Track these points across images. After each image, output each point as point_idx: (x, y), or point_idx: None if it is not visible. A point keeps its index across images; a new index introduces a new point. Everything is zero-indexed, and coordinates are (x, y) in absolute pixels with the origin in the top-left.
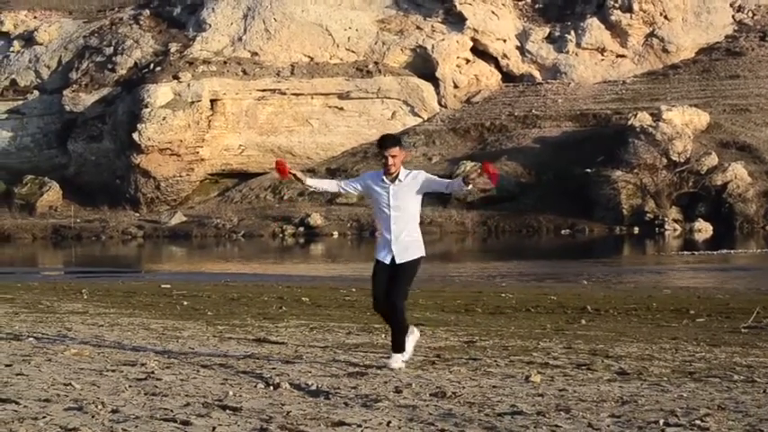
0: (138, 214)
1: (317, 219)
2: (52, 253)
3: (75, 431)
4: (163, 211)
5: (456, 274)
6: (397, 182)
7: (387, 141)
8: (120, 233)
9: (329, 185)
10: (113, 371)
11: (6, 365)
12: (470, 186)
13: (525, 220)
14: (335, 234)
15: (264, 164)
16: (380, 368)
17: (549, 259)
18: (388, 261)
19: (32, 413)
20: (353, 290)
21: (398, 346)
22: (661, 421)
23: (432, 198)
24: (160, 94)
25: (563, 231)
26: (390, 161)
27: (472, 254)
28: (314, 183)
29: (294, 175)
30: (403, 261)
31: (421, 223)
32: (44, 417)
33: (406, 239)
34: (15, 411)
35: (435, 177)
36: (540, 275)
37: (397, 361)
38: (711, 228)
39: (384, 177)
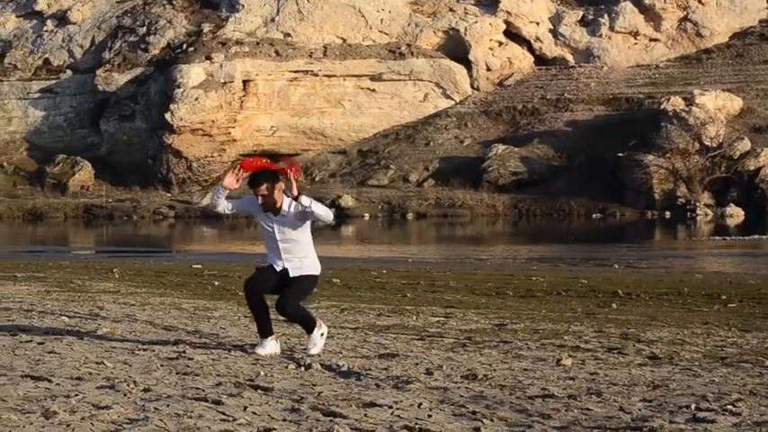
0: (169, 194)
1: (348, 200)
2: (83, 232)
3: (107, 409)
4: (194, 191)
5: (487, 256)
6: (280, 215)
7: (254, 180)
8: (151, 213)
9: (221, 207)
10: (145, 350)
11: (39, 343)
12: (303, 201)
13: (556, 204)
14: (366, 216)
15: (296, 145)
16: (305, 364)
17: (580, 243)
18: (279, 269)
19: (65, 391)
20: (384, 272)
21: (306, 330)
22: (693, 406)
23: (462, 180)
24: (193, 74)
25: (594, 215)
26: (260, 200)
27: (503, 237)
28: (221, 191)
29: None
30: (297, 275)
31: (451, 206)
32: (76, 395)
33: (299, 259)
34: (48, 389)
35: (310, 203)
36: (571, 259)
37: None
38: (743, 213)
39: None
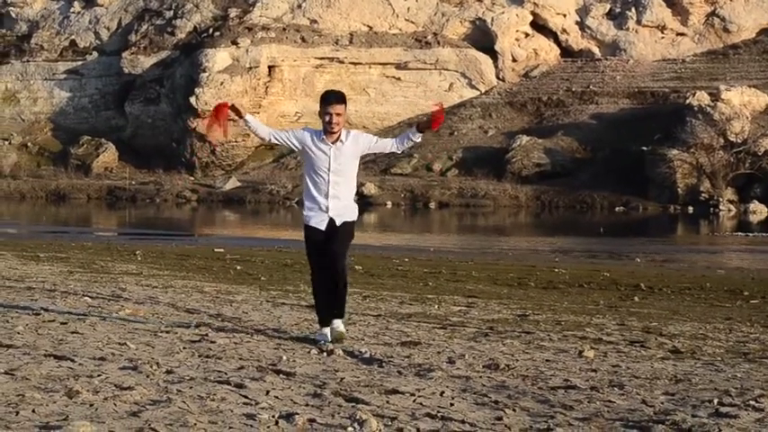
0: (192, 178)
1: (371, 188)
2: (106, 214)
3: (130, 390)
4: (217, 175)
5: (509, 247)
6: (338, 143)
7: (331, 97)
8: (174, 196)
9: (262, 131)
10: (167, 332)
11: (62, 323)
12: (420, 136)
13: (579, 196)
14: (389, 204)
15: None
16: (328, 349)
17: (602, 236)
18: (323, 227)
19: (88, 371)
20: (406, 260)
21: (342, 311)
22: (715, 400)
23: (486, 170)
24: (218, 58)
25: (617, 208)
26: (334, 119)
27: (525, 228)
28: (252, 120)
29: (233, 107)
30: (343, 221)
31: (474, 196)
32: (99, 375)
33: (343, 204)
34: (71, 369)
35: (378, 138)
36: (594, 252)
37: (339, 323)
38: (766, 210)
39: (324, 137)
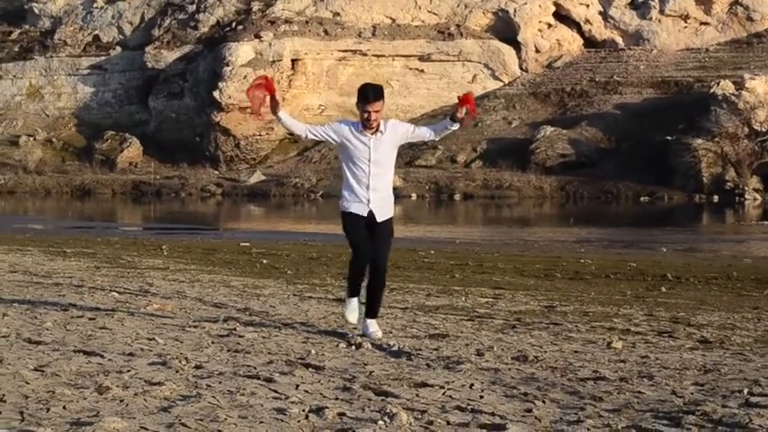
0: (217, 172)
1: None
2: (131, 209)
3: (159, 385)
4: (242, 169)
5: (534, 238)
6: (378, 134)
7: (370, 94)
8: (198, 190)
9: (297, 127)
10: (196, 327)
11: (90, 319)
12: (457, 125)
13: (604, 187)
14: (414, 196)
15: None
16: (356, 343)
17: (628, 226)
18: (364, 213)
19: (117, 366)
20: (432, 252)
21: (377, 310)
22: (745, 390)
23: (510, 161)
24: (241, 52)
25: (642, 198)
26: (373, 116)
27: (551, 219)
28: (285, 117)
29: (273, 97)
30: (383, 219)
31: (499, 187)
32: (129, 370)
33: (383, 196)
34: (100, 364)
35: (415, 127)
36: (619, 242)
37: (377, 327)
38: None
39: (363, 129)
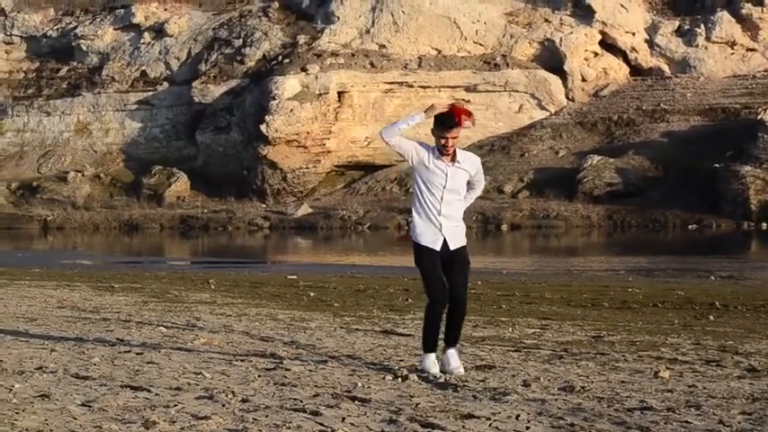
0: (264, 205)
1: None
2: (179, 243)
3: (206, 419)
4: (289, 202)
5: (582, 268)
6: (456, 162)
7: (448, 122)
8: (246, 224)
9: (396, 138)
10: (242, 360)
11: (137, 354)
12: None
13: (651, 215)
14: None
15: (391, 156)
16: (402, 375)
17: (675, 254)
18: (437, 247)
19: (164, 401)
20: (479, 282)
21: (458, 339)
22: None
23: (557, 191)
24: (288, 86)
25: (690, 226)
26: (450, 143)
27: (598, 248)
28: (393, 128)
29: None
30: (457, 247)
31: (546, 217)
32: (175, 405)
33: (455, 224)
34: (147, 399)
35: (479, 170)
36: (667, 271)
37: (459, 362)
38: None
39: (440, 156)
